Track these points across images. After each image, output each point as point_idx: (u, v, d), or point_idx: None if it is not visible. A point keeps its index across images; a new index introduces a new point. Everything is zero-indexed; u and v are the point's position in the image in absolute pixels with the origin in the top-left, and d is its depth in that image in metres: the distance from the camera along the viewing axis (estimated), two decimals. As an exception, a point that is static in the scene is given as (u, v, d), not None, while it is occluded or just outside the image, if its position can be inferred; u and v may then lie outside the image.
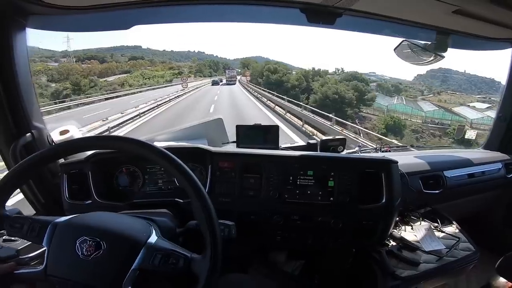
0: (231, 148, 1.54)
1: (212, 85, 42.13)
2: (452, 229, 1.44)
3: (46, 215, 0.83)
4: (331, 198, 1.23)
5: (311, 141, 1.62)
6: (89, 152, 1.25)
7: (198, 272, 0.71)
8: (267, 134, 1.50)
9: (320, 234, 1.27)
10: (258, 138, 1.49)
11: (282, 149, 1.51)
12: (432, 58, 1.49)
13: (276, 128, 1.52)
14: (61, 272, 0.70)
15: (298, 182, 1.25)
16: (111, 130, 10.72)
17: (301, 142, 1.76)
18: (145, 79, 49.58)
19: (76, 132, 1.41)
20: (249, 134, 1.51)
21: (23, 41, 1.15)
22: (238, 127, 1.50)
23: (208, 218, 0.74)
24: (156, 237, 0.77)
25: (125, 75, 48.82)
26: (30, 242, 1.06)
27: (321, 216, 1.24)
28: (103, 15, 1.23)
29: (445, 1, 1.04)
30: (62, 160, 1.30)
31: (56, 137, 1.35)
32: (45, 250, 0.74)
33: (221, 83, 43.88)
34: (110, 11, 1.18)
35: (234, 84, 42.44)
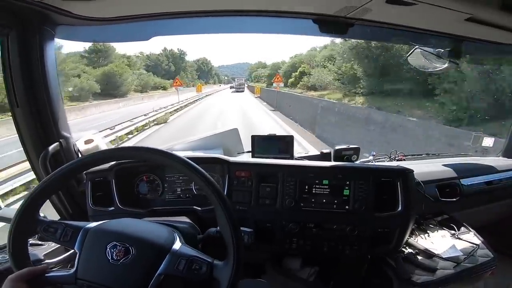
0: (247, 158, 1.57)
1: (230, 88, 49.32)
2: (470, 236, 1.43)
3: (70, 220, 0.86)
4: (347, 207, 1.25)
5: (325, 151, 1.63)
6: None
7: (220, 277, 0.74)
8: (281, 144, 1.52)
9: (335, 241, 1.28)
10: (273, 148, 1.52)
11: (296, 159, 1.53)
12: (446, 65, 1.49)
13: (290, 138, 1.55)
14: (90, 276, 0.73)
15: (313, 191, 1.26)
16: None
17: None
18: None
19: (100, 141, 1.47)
20: (264, 144, 1.54)
21: (52, 51, 1.19)
22: (253, 137, 1.53)
23: (232, 227, 0.77)
24: (180, 244, 0.80)
25: None
26: (55, 248, 1.12)
27: (337, 224, 1.26)
28: (126, 26, 1.27)
29: (457, 10, 1.04)
30: None
31: (81, 146, 1.41)
32: (70, 255, 0.77)
33: (231, 90, 46.76)
34: (132, 22, 1.22)
35: (243, 91, 44.51)
